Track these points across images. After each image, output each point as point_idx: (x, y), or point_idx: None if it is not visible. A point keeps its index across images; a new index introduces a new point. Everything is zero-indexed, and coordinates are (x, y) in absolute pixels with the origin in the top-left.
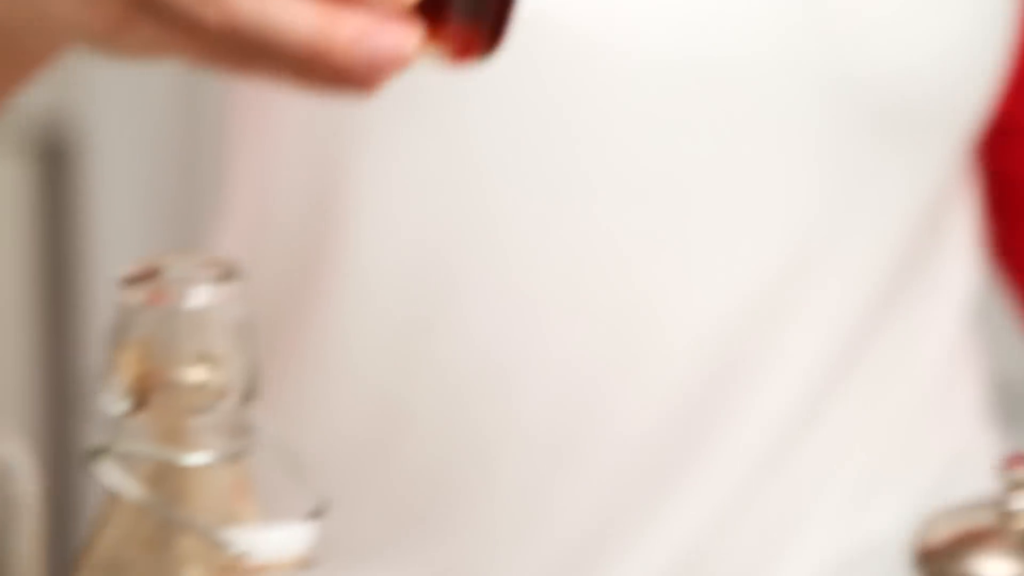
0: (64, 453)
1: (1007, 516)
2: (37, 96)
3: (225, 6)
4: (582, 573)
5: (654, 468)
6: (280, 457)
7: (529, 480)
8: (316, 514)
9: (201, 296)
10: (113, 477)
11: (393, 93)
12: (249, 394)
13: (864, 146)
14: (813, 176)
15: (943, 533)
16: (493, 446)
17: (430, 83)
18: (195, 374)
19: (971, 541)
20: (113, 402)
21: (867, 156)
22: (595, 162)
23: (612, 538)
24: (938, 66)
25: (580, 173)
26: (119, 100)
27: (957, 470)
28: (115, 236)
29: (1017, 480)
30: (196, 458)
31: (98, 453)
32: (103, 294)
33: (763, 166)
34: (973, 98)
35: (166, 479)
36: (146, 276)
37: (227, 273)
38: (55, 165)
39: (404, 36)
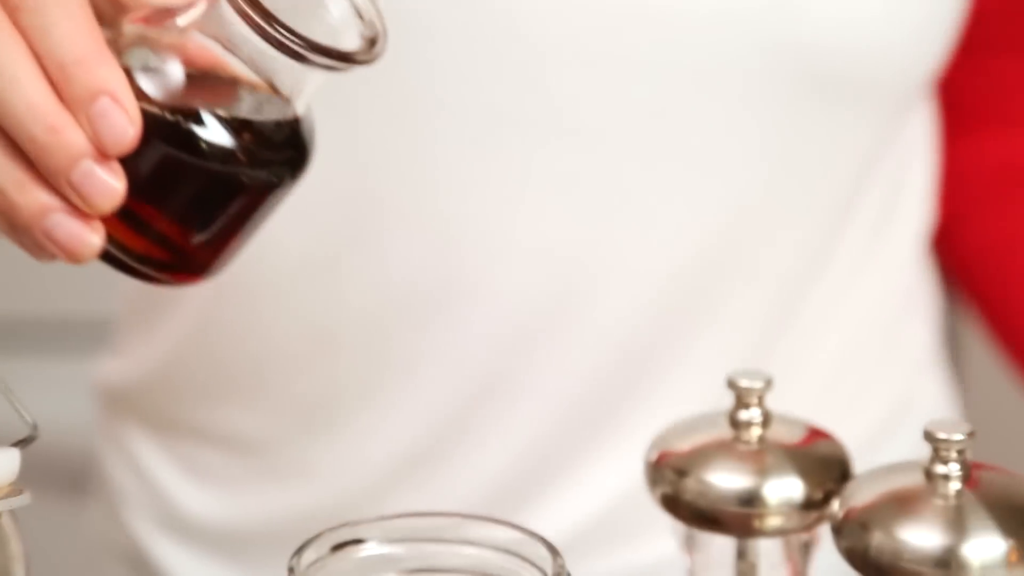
0: None
1: (739, 426)
2: None
3: None
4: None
5: (592, 415)
6: None
7: (453, 409)
8: (26, 441)
9: None
10: None
11: None
12: None
13: (808, 100)
14: (755, 128)
15: (680, 445)
16: (416, 371)
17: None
18: None
19: (707, 452)
20: None
21: (811, 110)
22: (532, 104)
23: (548, 468)
24: (883, 27)
25: (517, 114)
26: None
27: (901, 414)
28: None
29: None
30: None
31: None
32: None
33: (705, 116)
34: (923, 54)
35: None
36: None
37: None
38: None
39: (83, 233)
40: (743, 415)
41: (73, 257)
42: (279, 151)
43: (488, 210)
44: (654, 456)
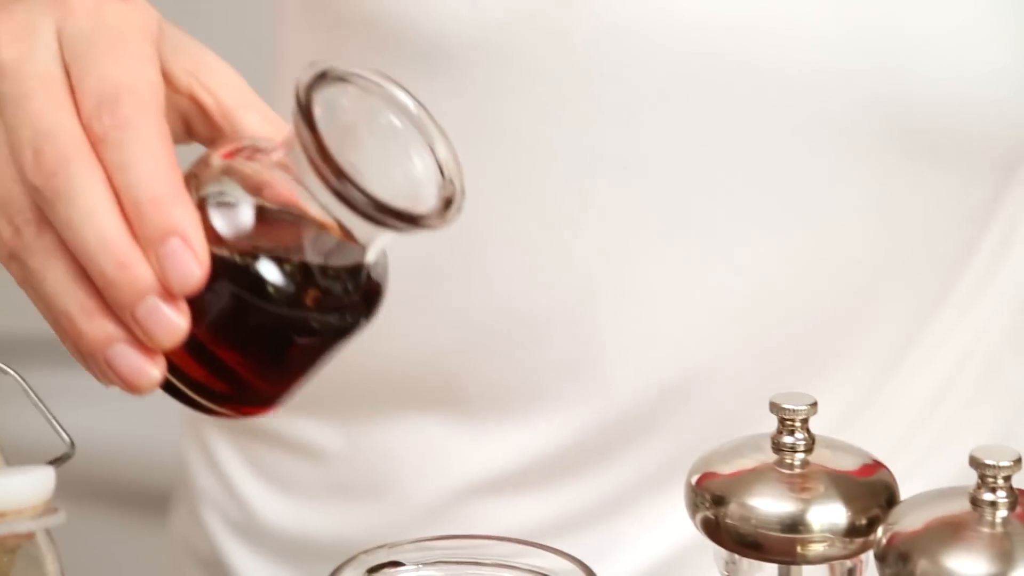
0: None
1: (783, 450)
2: None
3: (11, 240)
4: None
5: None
6: (29, 402)
7: (537, 444)
8: (62, 459)
9: None
10: None
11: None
12: None
13: (916, 158)
14: (859, 185)
15: (722, 469)
16: (498, 403)
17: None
18: None
19: (749, 476)
20: None
21: (919, 167)
22: (625, 147)
23: (619, 516)
24: (995, 85)
25: (609, 157)
26: None
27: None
28: None
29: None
30: None
31: None
32: None
33: (806, 172)
34: None
35: None
36: None
37: None
38: None
39: (143, 366)
40: (787, 439)
41: (132, 388)
42: (349, 297)
43: (576, 250)
44: (695, 479)
